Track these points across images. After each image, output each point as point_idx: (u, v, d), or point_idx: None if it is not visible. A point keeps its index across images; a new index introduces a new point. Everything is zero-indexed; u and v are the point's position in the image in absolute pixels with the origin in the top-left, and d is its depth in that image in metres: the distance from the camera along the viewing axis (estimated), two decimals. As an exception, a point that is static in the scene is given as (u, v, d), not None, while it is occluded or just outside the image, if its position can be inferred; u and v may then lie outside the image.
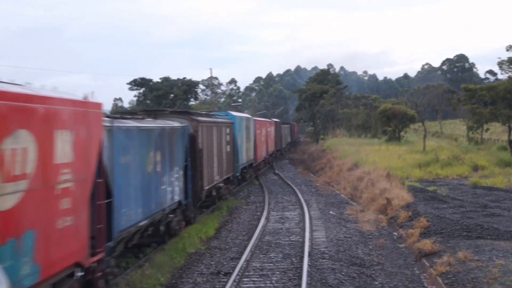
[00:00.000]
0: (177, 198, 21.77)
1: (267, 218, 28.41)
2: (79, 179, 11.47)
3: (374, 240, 22.74)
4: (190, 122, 24.80)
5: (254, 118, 50.46)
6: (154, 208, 18.60)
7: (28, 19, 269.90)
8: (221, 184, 31.60)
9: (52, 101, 10.50)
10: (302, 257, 19.38)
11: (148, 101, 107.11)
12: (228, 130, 33.49)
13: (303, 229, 24.81)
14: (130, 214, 16.11)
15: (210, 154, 27.87)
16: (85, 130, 11.85)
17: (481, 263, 16.61)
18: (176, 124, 22.30)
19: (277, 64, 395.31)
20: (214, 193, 29.86)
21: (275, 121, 71.36)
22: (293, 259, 19.53)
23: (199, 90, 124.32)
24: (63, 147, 10.77)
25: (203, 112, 29.74)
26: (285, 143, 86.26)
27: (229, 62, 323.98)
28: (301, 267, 18.05)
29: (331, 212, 30.00)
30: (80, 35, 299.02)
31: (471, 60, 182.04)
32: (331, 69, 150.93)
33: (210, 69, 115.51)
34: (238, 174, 37.99)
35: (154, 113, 24.08)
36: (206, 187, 26.70)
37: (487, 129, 68.28)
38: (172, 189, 20.94)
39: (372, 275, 17.45)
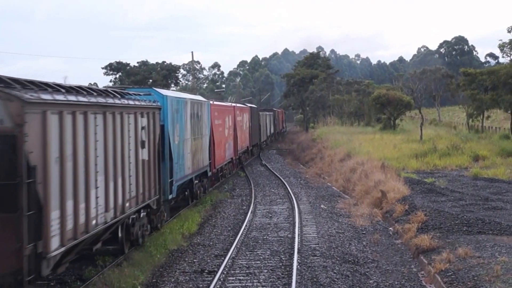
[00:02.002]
0: None
1: (254, 213, 28.44)
2: None
3: (368, 235, 22.82)
4: (4, 103, 12.24)
5: (212, 101, 37.51)
6: None
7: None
8: (135, 216, 19.43)
9: None
10: (291, 254, 19.43)
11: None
12: (145, 121, 19.95)
13: (293, 224, 24.87)
14: None
15: (79, 172, 14.44)
16: None
17: (482, 260, 16.72)
18: None
19: (263, 47, 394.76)
20: (120, 234, 18.50)
21: (251, 107, 60.81)
22: (282, 256, 19.58)
23: (180, 75, 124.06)
24: None
25: (68, 87, 14.89)
26: (266, 135, 76.20)
27: (212, 45, 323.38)
28: (290, 265, 18.10)
29: (322, 205, 30.08)
30: (50, 17, 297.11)
31: (470, 43, 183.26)
32: (321, 53, 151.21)
33: (192, 52, 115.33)
34: (172, 195, 24.57)
35: None
36: (55, 252, 13.17)
37: (488, 117, 68.64)
38: None
39: (367, 273, 17.52)
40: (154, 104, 21.39)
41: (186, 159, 27.21)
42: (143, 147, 19.69)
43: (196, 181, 30.29)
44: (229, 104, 47.79)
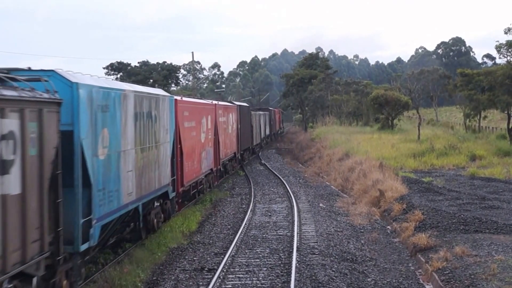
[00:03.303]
0: None
1: (253, 211, 28.43)
2: None
3: (367, 234, 22.81)
4: None
5: (180, 97, 28.07)
6: None
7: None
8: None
9: None
10: (290, 252, 19.43)
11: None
12: (15, 125, 11.17)
13: (292, 223, 24.86)
14: None
15: None
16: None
17: (479, 259, 16.72)
18: None
19: (262, 47, 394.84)
20: None
21: (240, 106, 51.17)
22: (281, 254, 19.57)
23: (180, 75, 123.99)
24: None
25: None
26: (259, 138, 67.03)
27: (212, 46, 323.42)
28: (289, 263, 18.10)
29: (320, 204, 30.06)
30: (51, 17, 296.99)
31: (467, 44, 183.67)
32: (320, 53, 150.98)
33: (192, 52, 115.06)
34: (91, 243, 14.89)
35: None
36: None
37: (485, 117, 68.54)
38: None
39: (365, 271, 17.52)
40: (43, 96, 12.48)
41: (125, 180, 17.51)
42: (4, 172, 10.69)
43: (158, 204, 22.24)
44: (209, 101, 37.33)
